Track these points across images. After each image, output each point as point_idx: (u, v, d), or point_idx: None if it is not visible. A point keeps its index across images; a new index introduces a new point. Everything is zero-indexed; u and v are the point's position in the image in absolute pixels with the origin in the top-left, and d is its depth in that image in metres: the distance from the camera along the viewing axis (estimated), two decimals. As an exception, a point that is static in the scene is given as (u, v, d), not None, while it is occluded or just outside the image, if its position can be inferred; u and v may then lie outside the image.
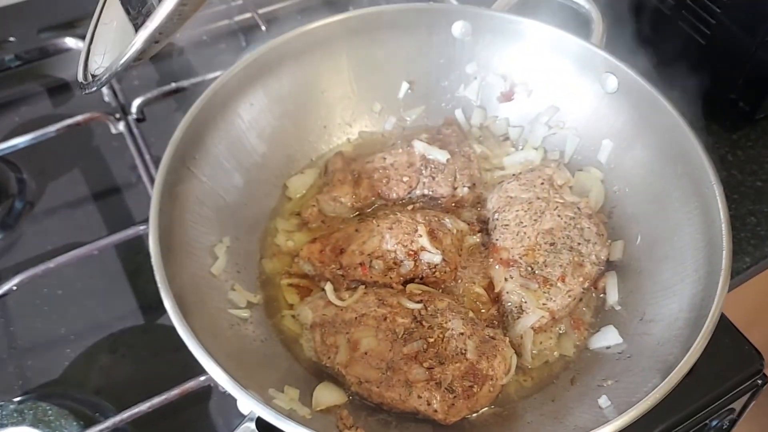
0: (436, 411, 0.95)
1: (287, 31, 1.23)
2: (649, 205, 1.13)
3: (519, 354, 1.04)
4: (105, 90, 1.45)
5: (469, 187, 1.22)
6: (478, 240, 1.18)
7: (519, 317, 1.06)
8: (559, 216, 1.13)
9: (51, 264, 1.14)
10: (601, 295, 1.11)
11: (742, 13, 1.28)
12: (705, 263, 0.98)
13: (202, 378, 1.02)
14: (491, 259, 1.13)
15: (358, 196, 1.22)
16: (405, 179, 1.22)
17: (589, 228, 1.12)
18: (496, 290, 1.10)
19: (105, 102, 1.45)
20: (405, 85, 1.34)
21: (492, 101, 1.33)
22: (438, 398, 0.95)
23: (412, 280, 1.10)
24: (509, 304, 1.08)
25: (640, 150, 1.17)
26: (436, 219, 1.14)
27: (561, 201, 1.16)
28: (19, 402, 1.04)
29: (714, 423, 1.14)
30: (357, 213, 1.23)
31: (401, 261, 1.10)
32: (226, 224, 1.13)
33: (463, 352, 0.98)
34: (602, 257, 1.11)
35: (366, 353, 0.99)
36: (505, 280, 1.09)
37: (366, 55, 1.30)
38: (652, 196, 1.13)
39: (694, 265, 1.00)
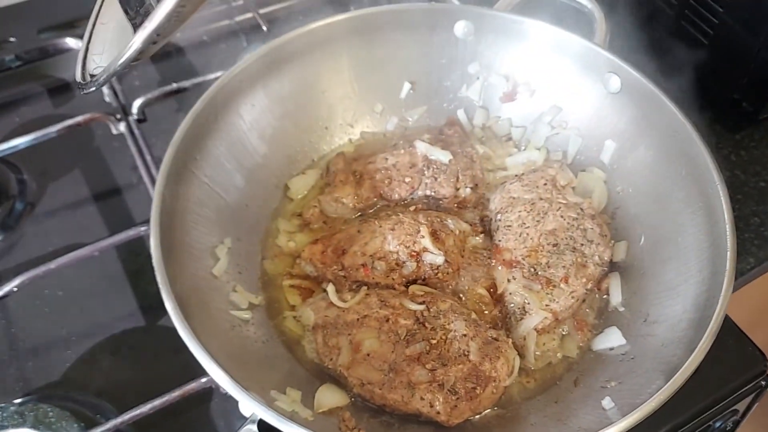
0: (438, 413, 0.94)
1: (288, 31, 1.23)
2: (653, 205, 1.13)
3: (522, 355, 1.04)
4: (106, 90, 1.45)
5: (471, 188, 1.21)
6: (480, 241, 1.17)
7: (522, 318, 1.06)
8: (562, 217, 1.13)
9: (52, 265, 1.14)
10: (605, 296, 1.11)
11: (745, 12, 1.27)
12: (709, 264, 0.98)
13: (204, 379, 1.02)
14: (494, 260, 1.13)
15: (360, 196, 1.21)
16: (407, 180, 1.21)
17: (592, 229, 1.12)
18: (499, 291, 1.10)
19: (106, 102, 1.45)
20: (407, 85, 1.33)
21: (494, 101, 1.32)
22: (441, 400, 0.94)
23: (414, 281, 1.10)
24: (512, 305, 1.08)
25: (643, 150, 1.16)
26: (439, 220, 1.14)
27: (564, 202, 1.15)
28: (20, 404, 1.04)
29: (718, 424, 1.13)
30: (359, 214, 1.23)
31: (403, 262, 1.09)
32: (227, 225, 1.12)
33: (466, 353, 0.98)
34: (605, 258, 1.11)
35: (368, 355, 0.98)
36: (508, 281, 1.09)
37: (367, 55, 1.30)
38: (656, 196, 1.13)
39: (698, 266, 1.00)
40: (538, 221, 1.13)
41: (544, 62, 1.26)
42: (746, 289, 1.32)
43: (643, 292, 1.07)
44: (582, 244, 1.10)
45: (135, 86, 1.50)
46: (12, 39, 1.58)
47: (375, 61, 1.31)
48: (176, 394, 1.01)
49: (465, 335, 1.00)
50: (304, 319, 1.07)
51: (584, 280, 1.08)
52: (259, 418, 0.85)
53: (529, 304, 1.06)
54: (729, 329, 1.14)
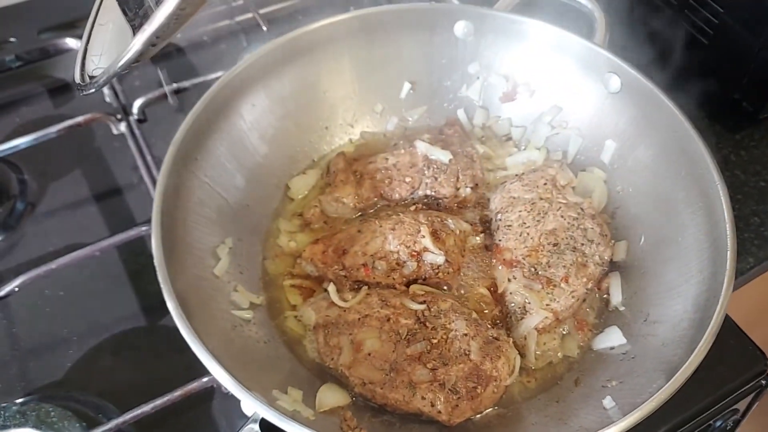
0: (439, 412, 0.94)
1: (288, 31, 1.23)
2: (653, 205, 1.13)
3: (523, 355, 1.04)
4: (106, 90, 1.45)
5: (471, 188, 1.21)
6: (481, 240, 1.17)
7: (522, 318, 1.06)
8: (562, 216, 1.13)
9: (53, 265, 1.14)
10: (605, 296, 1.11)
11: (745, 13, 1.27)
12: (709, 264, 0.98)
13: (205, 379, 1.03)
14: (494, 260, 1.13)
15: (361, 196, 1.21)
16: (407, 180, 1.21)
17: (592, 228, 1.12)
18: (500, 291, 1.10)
19: (106, 102, 1.45)
20: (407, 86, 1.33)
21: (494, 101, 1.33)
22: (442, 399, 0.95)
23: (415, 281, 1.10)
24: (513, 304, 1.08)
25: (643, 150, 1.16)
26: (439, 219, 1.14)
27: (564, 201, 1.15)
28: (22, 403, 1.04)
29: (718, 423, 1.14)
30: (359, 214, 1.23)
31: (404, 262, 1.10)
32: (228, 225, 1.12)
33: (467, 353, 0.98)
34: (606, 258, 1.11)
35: (369, 354, 0.98)
36: (509, 280, 1.09)
37: (368, 55, 1.30)
38: (656, 196, 1.13)
39: (698, 266, 1.00)
40: (538, 221, 1.13)
41: (544, 62, 1.26)
42: (746, 288, 1.32)
43: (644, 291, 1.07)
44: (582, 244, 1.10)
45: (135, 86, 1.50)
46: (12, 39, 1.58)
47: (375, 61, 1.31)
48: (178, 393, 1.01)
49: (466, 335, 1.00)
50: (306, 318, 1.07)
51: (585, 279, 1.08)
52: (260, 417, 0.85)
53: (529, 303, 1.06)
54: (729, 329, 1.14)
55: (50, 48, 1.58)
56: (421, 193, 1.22)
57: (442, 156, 1.21)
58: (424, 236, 1.10)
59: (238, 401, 0.86)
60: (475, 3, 1.29)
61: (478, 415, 0.99)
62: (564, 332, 1.08)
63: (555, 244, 1.10)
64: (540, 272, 1.08)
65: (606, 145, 1.22)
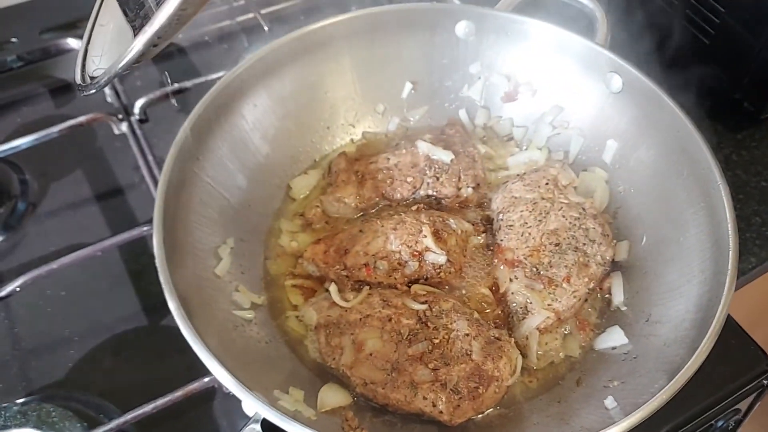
0: (441, 412, 0.94)
1: (290, 31, 1.23)
2: (655, 205, 1.13)
3: (524, 355, 1.04)
4: (107, 90, 1.45)
5: (473, 188, 1.21)
6: (482, 240, 1.17)
7: (524, 318, 1.06)
8: (563, 216, 1.13)
9: (54, 265, 1.14)
10: (607, 296, 1.11)
11: (746, 13, 1.27)
12: (711, 264, 0.98)
13: (207, 379, 1.02)
14: (496, 260, 1.13)
15: (362, 196, 1.21)
16: (409, 180, 1.21)
17: (594, 228, 1.12)
18: (501, 291, 1.10)
19: (107, 103, 1.45)
20: (408, 86, 1.33)
21: (496, 101, 1.33)
22: (443, 399, 0.94)
23: (416, 281, 1.10)
24: (514, 304, 1.08)
25: (645, 150, 1.16)
26: (441, 219, 1.14)
27: (566, 201, 1.15)
28: (23, 403, 1.04)
29: (720, 423, 1.13)
30: (361, 214, 1.23)
31: (406, 262, 1.10)
32: (229, 225, 1.12)
33: (469, 353, 0.98)
34: (607, 258, 1.11)
35: (371, 354, 0.98)
36: (510, 280, 1.09)
37: (369, 55, 1.30)
38: (658, 196, 1.13)
39: (700, 266, 1.00)
40: (540, 221, 1.13)
41: (546, 62, 1.26)
42: (747, 288, 1.32)
43: (646, 291, 1.07)
44: (584, 244, 1.10)
45: (137, 86, 1.50)
46: (14, 39, 1.58)
47: (377, 61, 1.31)
48: (179, 393, 1.01)
49: (467, 335, 1.00)
50: (307, 318, 1.07)
51: (586, 279, 1.08)
52: (262, 417, 0.85)
53: (531, 303, 1.06)
54: (731, 329, 1.14)
55: (51, 48, 1.58)
56: (422, 193, 1.22)
57: (444, 156, 1.21)
58: (425, 236, 1.10)
59: (240, 401, 0.86)
60: (477, 3, 1.29)
61: (480, 416, 0.99)
62: (566, 332, 1.08)
63: (557, 244, 1.10)
64: (542, 272, 1.08)
65: (607, 145, 1.21)
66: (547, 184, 1.18)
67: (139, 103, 1.40)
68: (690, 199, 1.07)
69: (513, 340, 1.03)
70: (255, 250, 1.16)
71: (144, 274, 1.22)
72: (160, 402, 1.00)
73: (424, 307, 1.03)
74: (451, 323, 1.01)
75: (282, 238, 1.19)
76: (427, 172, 1.22)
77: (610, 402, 0.92)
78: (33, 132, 1.33)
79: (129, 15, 0.86)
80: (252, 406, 0.84)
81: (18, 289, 1.12)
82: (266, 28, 1.53)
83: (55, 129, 1.34)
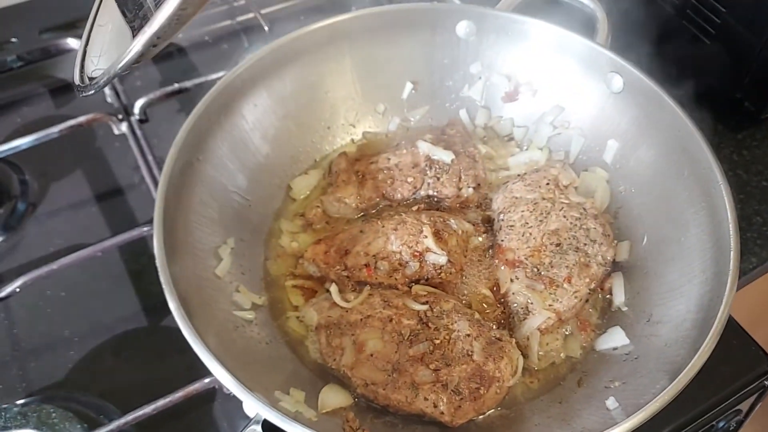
0: (442, 413, 0.94)
1: (290, 31, 1.22)
2: (656, 205, 1.13)
3: (525, 355, 1.04)
4: (107, 91, 1.45)
5: (474, 188, 1.21)
6: (483, 241, 1.17)
7: (525, 318, 1.06)
8: (564, 216, 1.13)
9: (54, 266, 1.14)
10: (608, 296, 1.11)
11: (747, 12, 1.27)
12: (712, 264, 0.98)
13: (207, 380, 1.02)
14: (497, 260, 1.13)
15: (363, 196, 1.21)
16: (409, 180, 1.21)
17: (595, 228, 1.12)
18: (502, 291, 1.09)
19: (107, 103, 1.45)
20: (409, 86, 1.33)
21: (496, 101, 1.32)
22: (444, 400, 0.94)
23: (417, 282, 1.10)
24: (515, 305, 1.08)
25: (645, 150, 1.16)
26: (441, 220, 1.14)
27: (566, 201, 1.15)
28: (23, 405, 1.04)
29: (721, 424, 1.13)
30: (361, 214, 1.23)
31: (406, 262, 1.09)
32: (230, 225, 1.12)
33: (470, 353, 0.98)
34: (608, 258, 1.11)
35: (372, 355, 0.98)
36: (511, 281, 1.09)
37: (369, 55, 1.30)
38: (659, 196, 1.12)
39: (702, 266, 1.00)
40: (540, 221, 1.13)
41: (546, 62, 1.26)
42: (748, 288, 1.32)
43: (647, 292, 1.07)
44: (585, 244, 1.10)
45: (137, 86, 1.50)
46: (13, 39, 1.58)
47: (377, 61, 1.31)
48: (179, 394, 1.01)
49: (468, 335, 1.00)
50: (308, 319, 1.07)
51: (587, 280, 1.08)
52: (263, 418, 0.85)
53: (532, 304, 1.06)
54: (732, 329, 1.14)
55: (51, 48, 1.57)
56: (423, 193, 1.22)
57: (445, 156, 1.21)
58: (426, 236, 1.10)
59: (240, 402, 0.86)
60: (477, 3, 1.29)
61: (481, 416, 0.99)
62: (567, 333, 1.08)
63: (557, 245, 1.10)
64: (542, 272, 1.08)
65: (608, 145, 1.21)
66: (547, 184, 1.17)
67: (139, 103, 1.40)
68: (691, 198, 1.07)
69: (514, 340, 1.03)
70: (255, 251, 1.16)
71: (144, 274, 1.22)
72: (161, 403, 1.00)
73: (425, 307, 1.02)
74: (452, 324, 1.01)
75: (282, 238, 1.19)
76: (428, 172, 1.21)
77: (611, 403, 0.92)
78: (33, 132, 1.33)
79: (128, 15, 0.86)
80: (253, 407, 0.84)
81: (18, 289, 1.12)
82: (266, 28, 1.53)
83: (55, 129, 1.34)
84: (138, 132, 1.37)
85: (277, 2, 1.63)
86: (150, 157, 1.31)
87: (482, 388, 0.96)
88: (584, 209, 1.14)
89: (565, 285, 1.07)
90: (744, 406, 1.14)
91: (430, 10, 1.27)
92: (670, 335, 0.97)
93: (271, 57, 1.20)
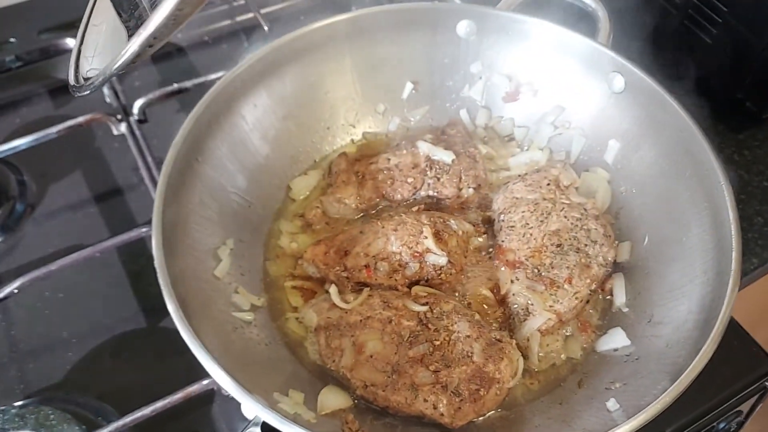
0: (442, 415, 0.94)
1: (290, 31, 1.22)
2: (657, 205, 1.12)
3: (526, 357, 1.03)
4: (106, 91, 1.45)
5: (474, 188, 1.21)
6: (483, 241, 1.17)
7: (525, 319, 1.05)
8: (565, 217, 1.12)
9: (52, 267, 1.13)
10: (608, 297, 1.10)
11: (749, 13, 1.27)
12: (714, 265, 0.97)
13: (206, 382, 1.02)
14: (497, 261, 1.12)
15: (363, 197, 1.21)
16: (410, 180, 1.21)
17: (596, 229, 1.11)
18: (502, 292, 1.09)
19: (106, 103, 1.45)
20: (409, 86, 1.33)
21: (497, 101, 1.32)
22: (444, 402, 0.94)
23: (417, 282, 1.09)
24: (515, 306, 1.07)
25: (647, 150, 1.16)
26: (442, 220, 1.13)
27: (567, 202, 1.15)
28: (21, 406, 1.03)
29: (722, 426, 1.13)
30: (361, 214, 1.22)
31: (406, 263, 1.09)
32: (229, 226, 1.12)
33: (470, 354, 0.97)
34: (609, 258, 1.10)
35: (371, 356, 0.98)
36: (511, 282, 1.08)
37: (369, 55, 1.29)
38: (660, 196, 1.12)
39: (703, 267, 0.99)
40: (541, 222, 1.12)
41: (547, 62, 1.25)
42: (749, 289, 1.31)
43: (648, 292, 1.07)
44: (586, 245, 1.10)
45: (136, 87, 1.50)
46: (12, 40, 1.58)
47: (377, 61, 1.30)
48: (178, 396, 1.01)
49: (468, 336, 0.99)
50: (307, 320, 1.06)
51: (588, 280, 1.07)
52: (261, 420, 0.84)
53: (532, 305, 1.06)
54: (733, 330, 1.13)
55: (50, 48, 1.57)
56: (423, 193, 1.21)
57: (445, 156, 1.21)
58: (426, 237, 1.09)
59: (239, 404, 0.85)
60: (478, 2, 1.28)
61: (481, 418, 0.98)
62: (567, 334, 1.07)
63: (558, 245, 1.09)
64: (543, 273, 1.07)
65: (609, 145, 1.21)
66: (548, 184, 1.17)
67: (138, 104, 1.39)
68: (692, 199, 1.06)
69: (514, 341, 1.03)
70: (255, 252, 1.15)
71: (143, 275, 1.22)
72: (159, 404, 1.00)
73: (425, 308, 1.02)
74: (452, 325, 1.00)
75: (282, 239, 1.18)
76: (428, 172, 1.21)
77: (612, 404, 0.92)
78: (31, 132, 1.32)
79: (123, 15, 0.86)
80: (251, 408, 0.83)
81: (16, 290, 1.11)
82: (266, 28, 1.52)
83: (53, 129, 1.33)
84: (137, 132, 1.36)
85: (277, 2, 1.63)
86: (149, 158, 1.30)
87: (482, 389, 0.95)
88: (585, 210, 1.14)
89: (565, 286, 1.06)
90: (745, 407, 1.14)
91: (431, 9, 1.27)
92: (671, 336, 0.96)
93: (270, 57, 1.20)
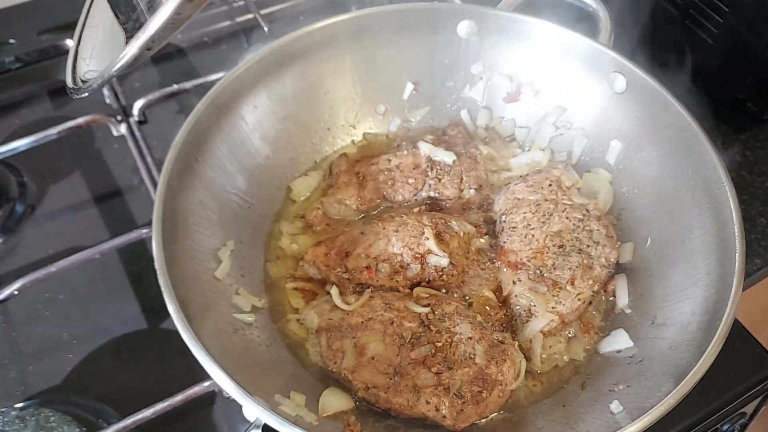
0: (444, 417, 0.93)
1: (290, 32, 1.22)
2: (659, 206, 1.12)
3: (528, 358, 1.03)
4: (106, 92, 1.45)
5: (475, 189, 1.20)
6: (485, 242, 1.16)
7: (528, 321, 1.05)
8: (567, 218, 1.12)
9: (53, 268, 1.13)
10: (611, 299, 1.10)
11: (750, 13, 1.26)
12: (717, 266, 0.97)
13: (207, 383, 1.02)
14: (499, 262, 1.12)
15: (363, 198, 1.20)
16: (410, 181, 1.20)
17: (598, 230, 1.11)
18: (504, 294, 1.09)
19: (106, 104, 1.44)
20: (409, 86, 1.32)
21: (498, 102, 1.31)
22: (446, 404, 0.93)
23: (418, 284, 1.09)
24: (518, 307, 1.07)
25: (649, 151, 1.15)
26: (443, 221, 1.13)
27: (569, 203, 1.14)
28: (21, 408, 1.03)
29: (725, 427, 1.12)
30: (362, 215, 1.22)
31: (408, 264, 1.08)
32: (229, 227, 1.11)
33: (472, 356, 0.97)
34: (612, 260, 1.10)
35: (373, 358, 0.97)
36: (513, 283, 1.08)
37: (370, 55, 1.29)
38: (662, 197, 1.12)
39: (706, 268, 0.99)
40: (543, 222, 1.12)
41: (548, 62, 1.25)
42: (753, 290, 1.31)
43: (651, 294, 1.06)
44: (588, 246, 1.09)
45: (135, 88, 1.49)
46: (12, 41, 1.57)
47: (377, 62, 1.30)
48: (179, 398, 1.00)
49: (471, 338, 0.99)
50: (308, 322, 1.06)
51: (590, 282, 1.07)
52: (263, 422, 0.84)
53: (534, 306, 1.05)
54: (737, 331, 1.13)
55: (50, 49, 1.57)
56: (424, 194, 1.21)
57: (446, 157, 1.20)
58: (428, 238, 1.09)
59: (240, 406, 0.85)
60: (478, 2, 1.28)
61: (483, 420, 0.98)
62: (570, 335, 1.07)
63: (560, 246, 1.09)
64: (545, 274, 1.07)
65: (611, 146, 1.20)
66: (550, 185, 1.17)
67: (138, 105, 1.39)
68: (695, 199, 1.06)
69: (517, 343, 1.02)
70: (255, 253, 1.15)
71: (143, 276, 1.21)
72: (160, 406, 1.00)
73: (427, 310, 1.02)
74: (453, 326, 1.00)
75: (282, 240, 1.18)
76: (429, 173, 1.21)
77: (615, 406, 0.91)
78: (31, 134, 1.32)
79: (120, 18, 0.85)
80: (253, 410, 0.83)
81: (16, 292, 1.11)
82: (266, 29, 1.52)
83: (53, 130, 1.33)
84: (137, 133, 1.36)
85: (277, 2, 1.63)
86: (149, 159, 1.30)
87: (485, 391, 0.95)
88: (587, 210, 1.13)
89: (568, 287, 1.06)
90: (748, 409, 1.13)
91: (431, 10, 1.27)
92: (674, 338, 0.96)
93: (270, 58, 1.20)
